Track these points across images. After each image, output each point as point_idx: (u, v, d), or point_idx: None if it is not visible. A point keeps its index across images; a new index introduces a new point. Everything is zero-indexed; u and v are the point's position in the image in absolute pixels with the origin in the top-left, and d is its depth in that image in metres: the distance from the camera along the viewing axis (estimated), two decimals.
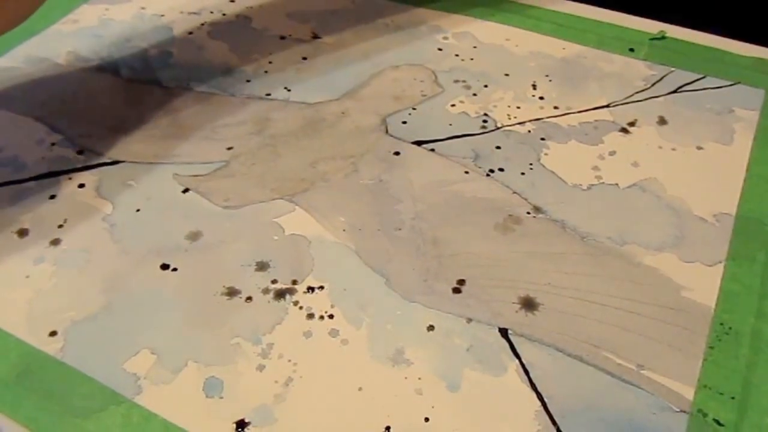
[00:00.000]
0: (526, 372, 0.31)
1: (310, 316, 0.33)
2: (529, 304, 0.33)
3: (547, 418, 0.29)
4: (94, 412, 0.30)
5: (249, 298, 0.33)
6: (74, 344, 0.32)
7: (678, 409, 0.29)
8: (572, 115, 0.42)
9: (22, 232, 0.37)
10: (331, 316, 0.33)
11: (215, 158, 0.39)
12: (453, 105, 0.43)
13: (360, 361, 0.31)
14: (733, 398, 0.30)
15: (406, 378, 0.31)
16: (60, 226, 0.37)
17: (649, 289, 0.33)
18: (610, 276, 0.34)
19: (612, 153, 0.39)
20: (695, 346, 0.31)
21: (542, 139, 0.40)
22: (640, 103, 0.42)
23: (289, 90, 0.44)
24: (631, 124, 0.41)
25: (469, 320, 0.32)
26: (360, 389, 0.30)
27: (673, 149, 0.40)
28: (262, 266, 0.35)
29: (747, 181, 0.38)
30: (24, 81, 0.46)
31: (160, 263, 0.35)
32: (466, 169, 0.39)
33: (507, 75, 0.45)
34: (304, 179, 0.39)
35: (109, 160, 0.40)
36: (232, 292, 0.34)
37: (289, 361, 0.31)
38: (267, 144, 0.41)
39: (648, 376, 0.30)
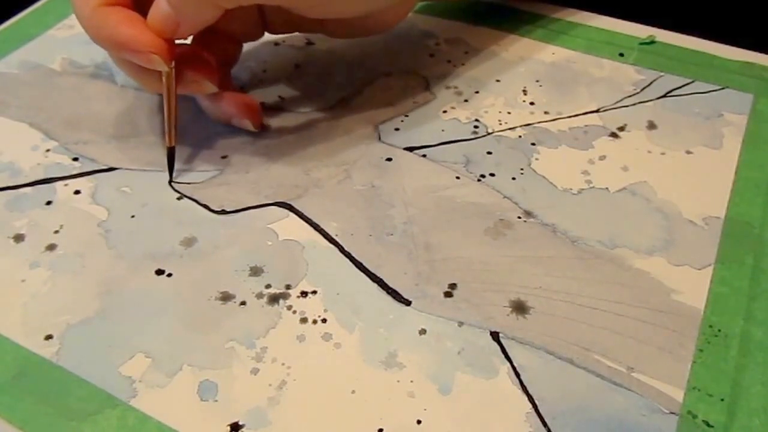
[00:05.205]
0: (517, 375, 0.31)
1: (304, 320, 0.33)
2: (520, 308, 0.33)
3: (538, 420, 0.29)
4: (90, 414, 0.30)
5: (243, 303, 0.34)
6: (70, 348, 0.32)
7: (668, 411, 0.30)
8: (562, 120, 0.42)
9: (18, 237, 0.37)
10: (324, 321, 0.33)
11: (210, 166, 0.39)
12: (444, 111, 0.43)
13: (353, 364, 0.31)
14: (722, 400, 0.30)
15: (398, 381, 0.31)
16: (56, 232, 0.37)
17: (639, 292, 0.34)
18: (601, 279, 0.34)
19: (602, 158, 0.40)
20: (685, 349, 0.32)
21: (533, 144, 0.41)
22: (629, 107, 0.43)
23: (282, 98, 0.44)
24: (621, 128, 0.41)
25: (461, 324, 0.33)
26: (353, 392, 0.30)
27: (663, 153, 0.40)
28: (256, 271, 0.35)
29: (736, 185, 0.38)
30: (19, 87, 0.46)
31: (155, 268, 0.35)
32: (458, 175, 0.39)
33: (498, 81, 0.45)
34: (297, 186, 0.39)
35: (104, 167, 0.40)
36: (226, 297, 0.34)
37: (283, 364, 0.31)
38: (261, 152, 0.41)
39: (638, 378, 0.31)
